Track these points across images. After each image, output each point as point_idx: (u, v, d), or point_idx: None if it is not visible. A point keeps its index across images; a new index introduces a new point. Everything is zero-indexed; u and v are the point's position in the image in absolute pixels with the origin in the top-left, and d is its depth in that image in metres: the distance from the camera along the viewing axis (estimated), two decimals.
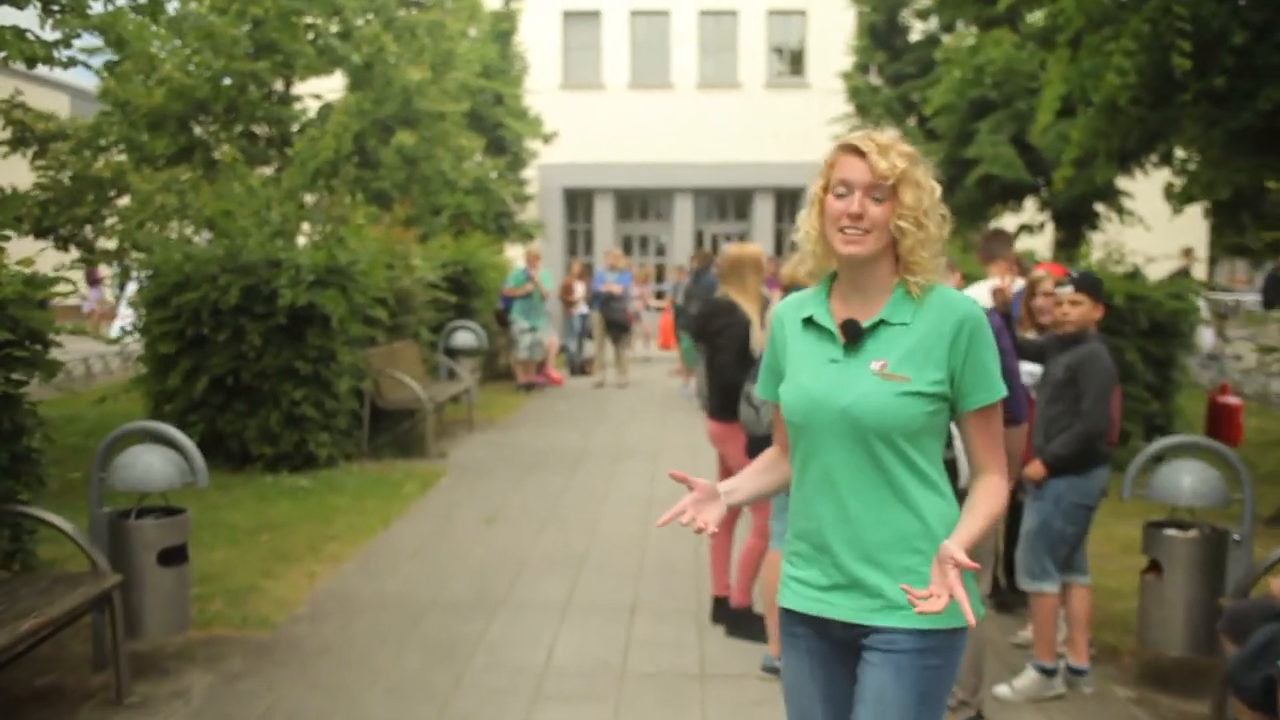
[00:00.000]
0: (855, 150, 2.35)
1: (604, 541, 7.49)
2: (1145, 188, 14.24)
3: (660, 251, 27.76)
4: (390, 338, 10.96)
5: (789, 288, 6.73)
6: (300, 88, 13.40)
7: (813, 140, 25.45)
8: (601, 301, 16.29)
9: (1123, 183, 14.07)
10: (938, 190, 2.41)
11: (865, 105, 20.19)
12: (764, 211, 27.06)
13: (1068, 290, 4.97)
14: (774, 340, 2.58)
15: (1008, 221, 14.60)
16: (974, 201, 13.21)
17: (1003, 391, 2.43)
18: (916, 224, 2.35)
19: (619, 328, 16.36)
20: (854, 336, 2.40)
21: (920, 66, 20.09)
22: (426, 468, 9.90)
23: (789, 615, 2.53)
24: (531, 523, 7.98)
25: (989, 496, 2.42)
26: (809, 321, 2.49)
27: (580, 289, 18.26)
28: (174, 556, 4.87)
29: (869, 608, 2.39)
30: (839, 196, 2.38)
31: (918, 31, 20.83)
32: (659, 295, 24.25)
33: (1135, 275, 10.27)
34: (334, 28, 12.77)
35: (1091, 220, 13.86)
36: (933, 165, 2.45)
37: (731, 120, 26.11)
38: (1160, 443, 5.14)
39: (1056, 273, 5.50)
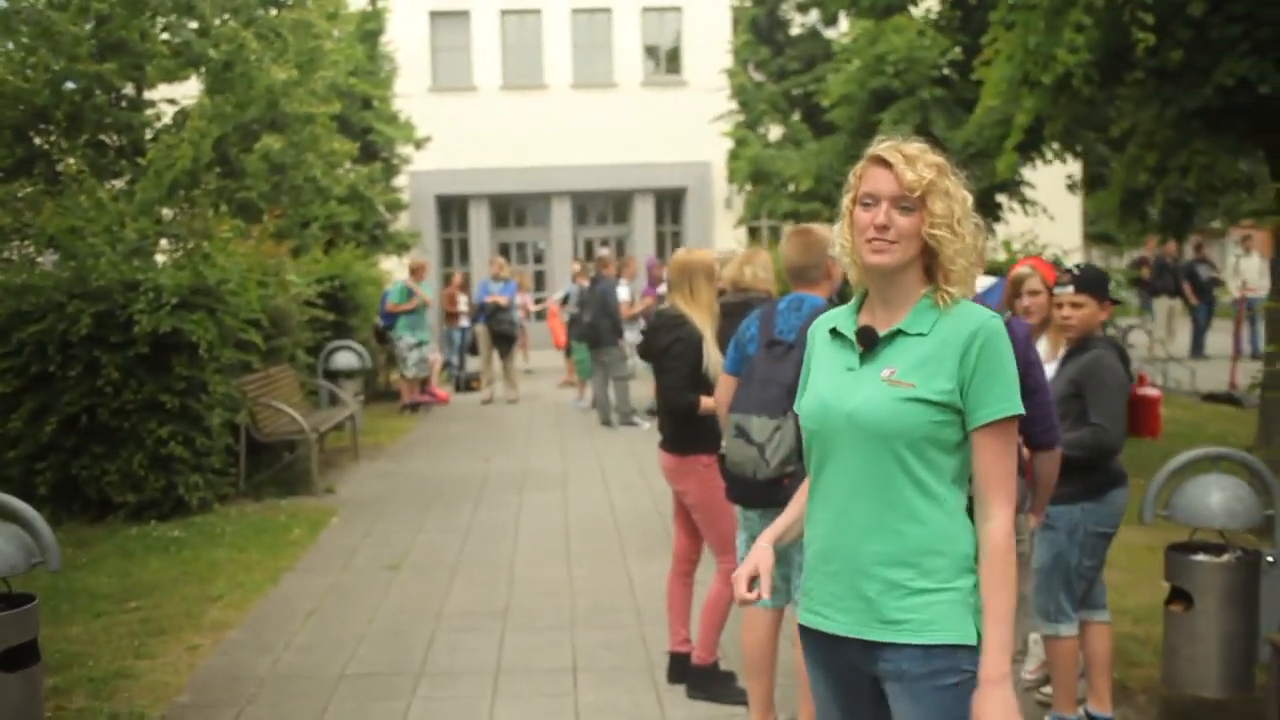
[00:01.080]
0: (882, 161, 2.35)
1: (526, 586, 6.66)
2: (1036, 177, 13.97)
3: (539, 259, 26.90)
4: (265, 363, 9.92)
5: (721, 291, 6.06)
6: (153, 94, 12.23)
7: (692, 139, 25.08)
8: (488, 314, 15.39)
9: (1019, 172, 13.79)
10: (969, 200, 2.39)
11: (749, 102, 19.70)
12: (644, 213, 26.41)
13: (1068, 291, 4.33)
14: (806, 356, 2.59)
15: None
16: None
17: (1016, 409, 2.33)
18: (952, 232, 2.33)
19: (506, 340, 15.48)
20: (869, 344, 2.39)
21: (804, 61, 19.71)
22: (314, 506, 8.92)
23: (803, 630, 2.53)
24: (440, 568, 7.10)
25: (1002, 565, 2.31)
26: (834, 333, 2.49)
27: (463, 300, 17.35)
28: (21, 657, 3.91)
29: (864, 621, 2.35)
30: (865, 208, 2.36)
31: (798, 25, 20.46)
32: (539, 301, 23.41)
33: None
34: (191, 24, 11.64)
35: (994, 212, 13.49)
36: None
37: (608, 121, 25.39)
38: (1182, 456, 4.55)
39: (1043, 269, 4.86)
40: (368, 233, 17.80)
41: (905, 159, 2.32)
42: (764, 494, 4.00)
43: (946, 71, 13.09)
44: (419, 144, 20.61)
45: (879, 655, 2.35)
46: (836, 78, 13.38)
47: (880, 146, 2.38)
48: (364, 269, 15.34)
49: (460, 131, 24.09)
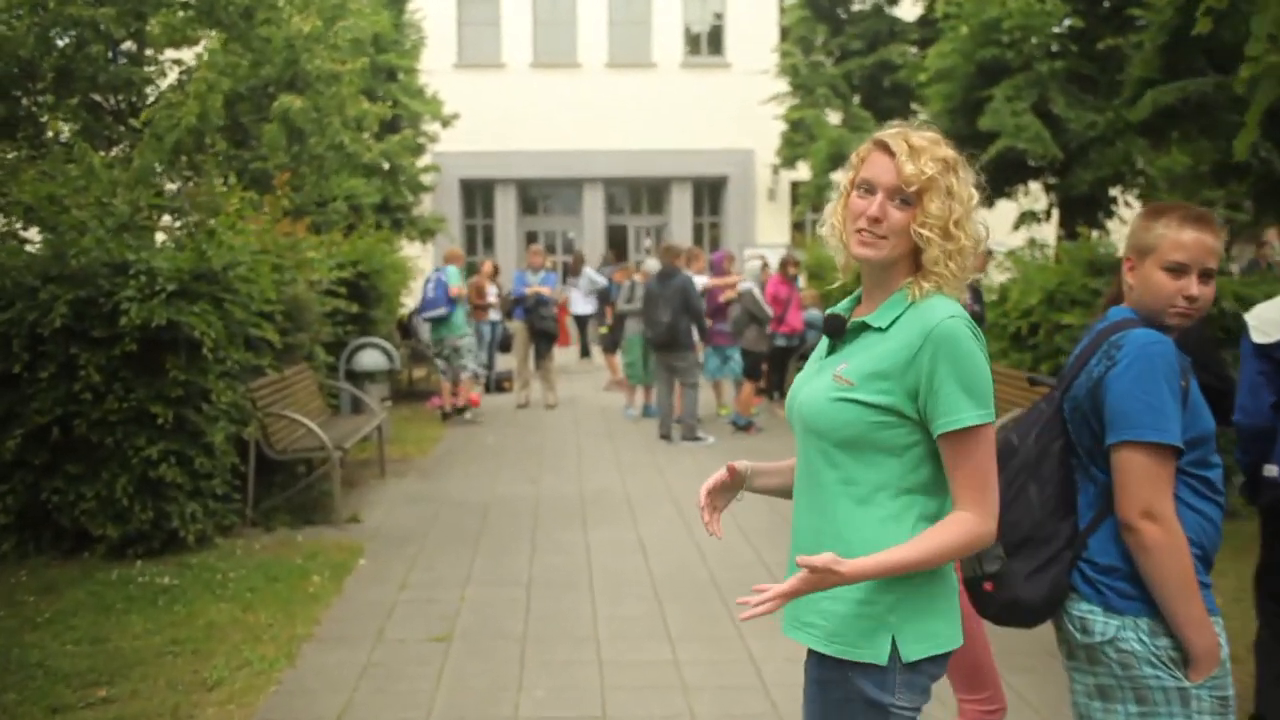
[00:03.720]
0: (885, 148, 2.19)
1: (621, 674, 5.07)
2: None
3: (568, 248, 25.34)
4: (278, 363, 8.34)
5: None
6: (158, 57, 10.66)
7: (734, 125, 23.50)
8: (526, 307, 13.79)
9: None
10: (975, 199, 2.21)
11: (808, 85, 18.12)
12: (681, 203, 24.86)
13: None
14: None
15: (1005, 209, 12.55)
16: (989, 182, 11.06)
17: (969, 420, 2.11)
18: (944, 234, 2.16)
19: (547, 338, 13.87)
20: (835, 334, 2.31)
21: (867, 41, 18.14)
22: (336, 541, 7.34)
23: None
24: (504, 641, 5.52)
25: (940, 531, 2.12)
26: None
27: (492, 291, 15.76)
28: None
29: (788, 622, 2.31)
30: (862, 195, 2.21)
31: (859, 1, 18.90)
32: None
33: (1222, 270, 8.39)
34: None
35: (1107, 207, 11.87)
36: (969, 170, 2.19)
37: (644, 103, 23.87)
38: None
39: None
40: (391, 215, 16.20)
41: (910, 149, 2.14)
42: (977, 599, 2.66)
43: (1055, 46, 11.49)
44: (446, 121, 19.02)
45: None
46: (935, 49, 11.74)
47: (888, 132, 2.21)
48: (387, 255, 13.75)
49: (487, 111, 22.60)
